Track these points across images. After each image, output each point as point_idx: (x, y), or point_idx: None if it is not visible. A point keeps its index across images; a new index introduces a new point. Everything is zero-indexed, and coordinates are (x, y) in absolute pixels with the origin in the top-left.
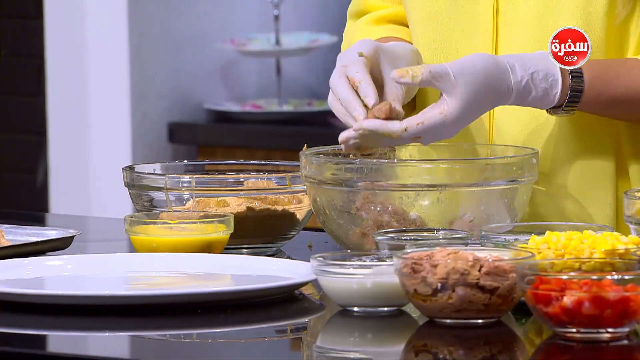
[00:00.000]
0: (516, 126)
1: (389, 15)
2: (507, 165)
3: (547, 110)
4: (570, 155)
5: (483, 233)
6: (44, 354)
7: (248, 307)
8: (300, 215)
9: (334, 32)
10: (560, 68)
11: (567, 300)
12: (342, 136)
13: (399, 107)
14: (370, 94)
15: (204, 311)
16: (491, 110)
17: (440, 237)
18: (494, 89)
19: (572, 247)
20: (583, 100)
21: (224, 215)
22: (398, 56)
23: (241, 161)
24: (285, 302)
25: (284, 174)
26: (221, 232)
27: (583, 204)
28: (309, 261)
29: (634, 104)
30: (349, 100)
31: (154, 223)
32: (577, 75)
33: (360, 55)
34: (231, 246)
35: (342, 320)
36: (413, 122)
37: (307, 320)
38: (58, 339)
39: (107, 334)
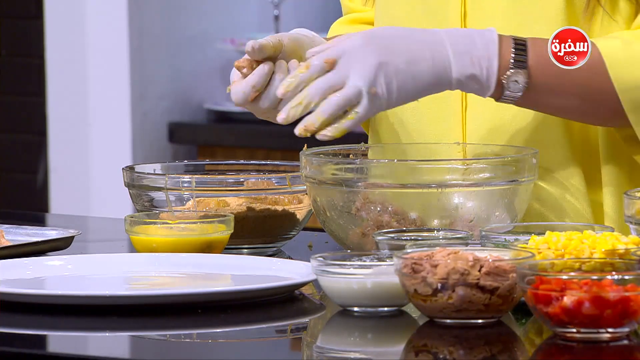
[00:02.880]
0: (487, 114)
1: (366, 18)
2: (507, 165)
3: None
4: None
5: (483, 233)
6: (44, 354)
7: (248, 307)
8: (300, 215)
9: None
10: (500, 58)
11: (567, 300)
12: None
13: None
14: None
15: (204, 311)
16: (463, 99)
17: (440, 237)
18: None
19: (572, 247)
20: (531, 65)
21: (224, 215)
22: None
23: (241, 161)
24: (285, 302)
25: (284, 174)
26: (221, 232)
27: (558, 202)
28: (309, 261)
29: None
30: None
31: (154, 223)
32: (520, 47)
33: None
34: (231, 246)
35: (342, 320)
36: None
37: (307, 320)
38: (58, 339)
39: (107, 334)
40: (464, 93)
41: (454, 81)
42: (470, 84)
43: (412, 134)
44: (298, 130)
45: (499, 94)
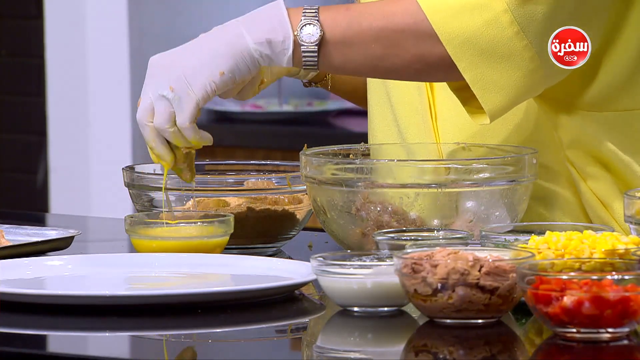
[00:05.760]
0: (459, 120)
1: None
2: (507, 165)
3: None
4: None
5: (483, 233)
6: (44, 354)
7: (248, 307)
8: (300, 215)
9: None
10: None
11: (567, 300)
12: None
13: None
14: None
15: (204, 311)
16: (432, 105)
17: (440, 237)
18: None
19: (572, 247)
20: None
21: (224, 216)
22: None
23: (241, 161)
24: (285, 302)
25: (284, 174)
26: (221, 233)
27: (545, 202)
28: (309, 261)
29: (387, 33)
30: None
31: (154, 223)
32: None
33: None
34: (231, 246)
35: (342, 320)
36: None
37: (307, 320)
38: (58, 339)
39: (107, 334)
40: (431, 102)
41: (254, 54)
42: (269, 51)
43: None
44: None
45: (299, 56)
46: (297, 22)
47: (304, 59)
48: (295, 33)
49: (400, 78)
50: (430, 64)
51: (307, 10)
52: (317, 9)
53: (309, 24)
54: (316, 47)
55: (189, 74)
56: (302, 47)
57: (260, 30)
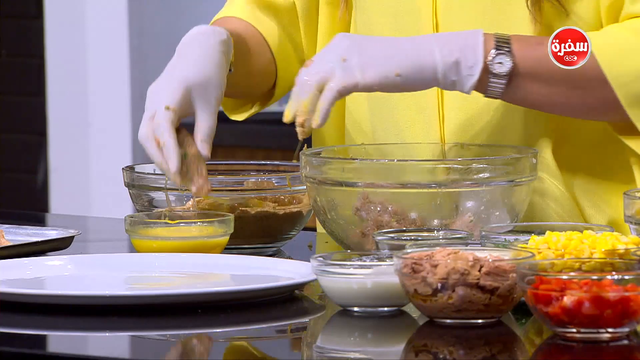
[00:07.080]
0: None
1: (284, 4)
2: (507, 165)
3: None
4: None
5: (483, 233)
6: (44, 354)
7: (248, 307)
8: (300, 215)
9: None
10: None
11: (567, 300)
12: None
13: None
14: (172, 159)
15: (204, 311)
16: (441, 106)
17: (440, 237)
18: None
19: (572, 247)
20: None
21: (224, 216)
22: (209, 85)
23: (241, 161)
24: (285, 302)
25: (284, 174)
26: (221, 233)
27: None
28: (309, 261)
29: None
30: (160, 164)
31: (154, 223)
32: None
33: (167, 109)
34: (231, 246)
35: (342, 320)
36: None
37: (307, 320)
38: (58, 339)
39: (107, 334)
40: (440, 103)
41: (439, 69)
42: (454, 73)
43: (390, 129)
44: (300, 135)
45: (484, 84)
46: (489, 48)
47: (490, 88)
48: (487, 61)
49: (575, 116)
50: (617, 109)
51: (500, 38)
52: (510, 37)
53: (502, 53)
54: (506, 79)
55: (367, 60)
56: (490, 77)
57: (452, 52)
